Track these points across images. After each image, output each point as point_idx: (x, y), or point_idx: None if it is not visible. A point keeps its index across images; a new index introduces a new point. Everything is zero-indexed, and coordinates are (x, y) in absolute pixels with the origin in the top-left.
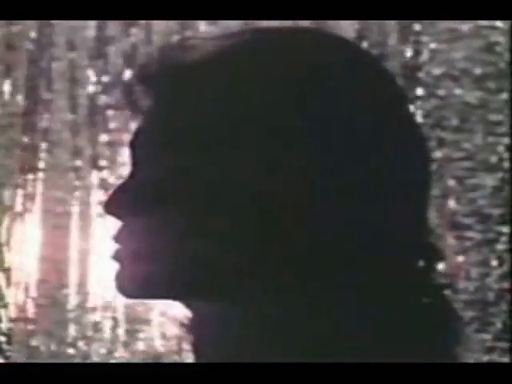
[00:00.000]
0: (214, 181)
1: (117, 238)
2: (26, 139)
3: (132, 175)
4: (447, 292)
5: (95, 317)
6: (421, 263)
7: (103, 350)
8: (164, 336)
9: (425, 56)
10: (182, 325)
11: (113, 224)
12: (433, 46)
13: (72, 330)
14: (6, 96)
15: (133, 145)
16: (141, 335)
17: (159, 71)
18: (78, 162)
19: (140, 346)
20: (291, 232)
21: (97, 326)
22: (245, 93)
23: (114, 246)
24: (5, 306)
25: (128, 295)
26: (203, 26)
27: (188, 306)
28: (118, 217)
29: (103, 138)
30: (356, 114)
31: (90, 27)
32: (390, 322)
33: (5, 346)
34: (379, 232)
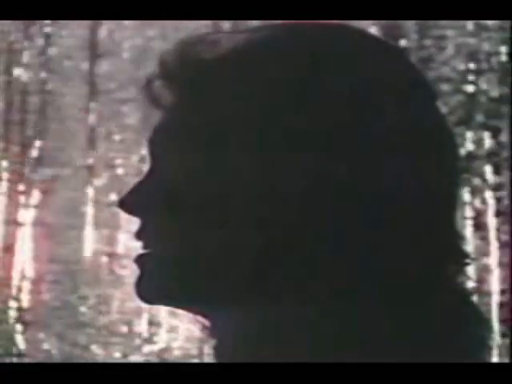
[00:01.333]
0: (237, 181)
1: (138, 236)
2: (37, 138)
3: (150, 172)
4: (474, 295)
5: (109, 319)
6: (450, 267)
7: (118, 354)
8: (181, 338)
9: (450, 51)
10: (204, 327)
11: (127, 224)
12: (458, 40)
13: (85, 333)
14: (18, 94)
15: (152, 141)
16: (156, 338)
17: (180, 67)
18: (91, 161)
19: (155, 349)
20: (315, 235)
21: (110, 329)
22: (267, 89)
23: (136, 250)
24: (17, 308)
25: (148, 302)
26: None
27: (205, 315)
28: (135, 214)
29: (117, 136)
30: (383, 112)
31: (103, 24)
32: (417, 325)
33: (16, 349)
34: (407, 234)
